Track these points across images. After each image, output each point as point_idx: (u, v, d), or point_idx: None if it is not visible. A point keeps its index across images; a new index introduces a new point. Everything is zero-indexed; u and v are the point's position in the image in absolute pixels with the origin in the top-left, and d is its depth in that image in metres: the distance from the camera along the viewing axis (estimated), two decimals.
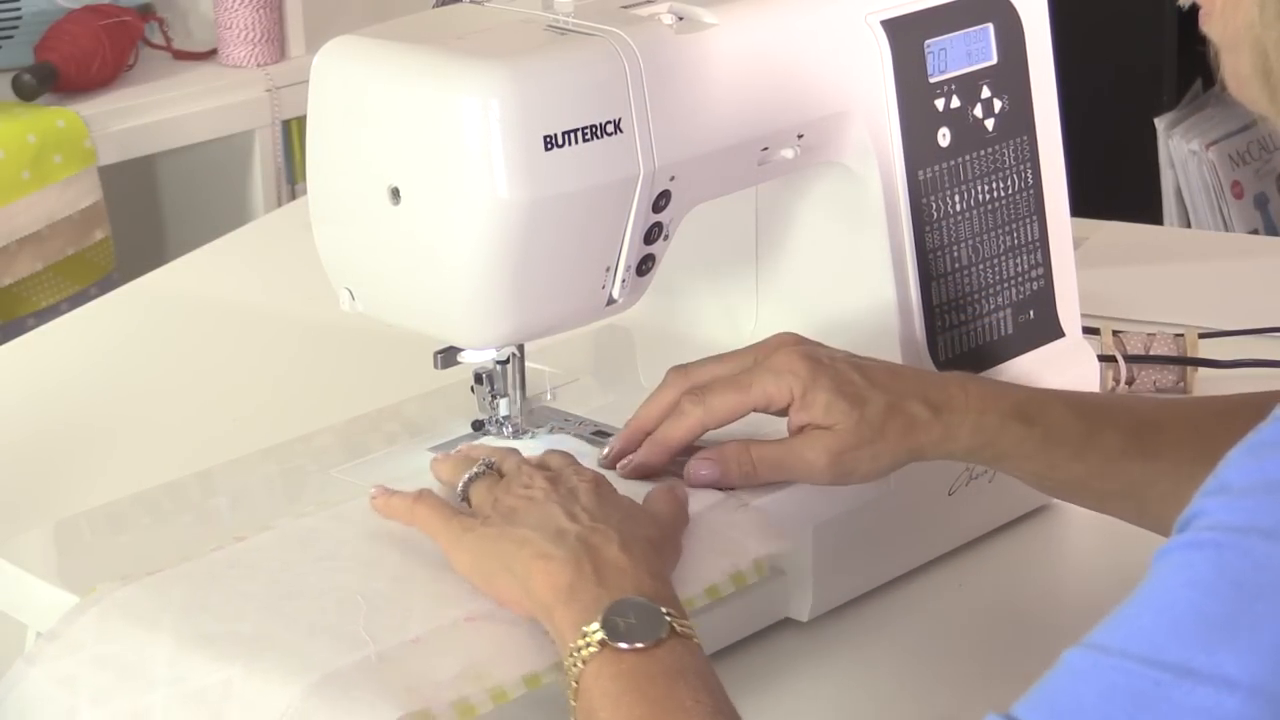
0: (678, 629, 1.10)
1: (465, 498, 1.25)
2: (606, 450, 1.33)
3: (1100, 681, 0.88)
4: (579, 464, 1.27)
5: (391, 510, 1.23)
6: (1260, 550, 0.87)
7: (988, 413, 1.29)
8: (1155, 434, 1.30)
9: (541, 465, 1.26)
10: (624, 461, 1.31)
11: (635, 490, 1.27)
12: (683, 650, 1.10)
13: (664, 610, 1.11)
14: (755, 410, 1.30)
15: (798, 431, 1.29)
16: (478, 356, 1.35)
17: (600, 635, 1.09)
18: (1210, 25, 1.02)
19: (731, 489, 1.30)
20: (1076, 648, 0.90)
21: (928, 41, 1.42)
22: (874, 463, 1.28)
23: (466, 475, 1.25)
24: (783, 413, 1.30)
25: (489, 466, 1.26)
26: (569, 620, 1.11)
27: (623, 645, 1.09)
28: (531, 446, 1.36)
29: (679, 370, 1.33)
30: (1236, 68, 1.00)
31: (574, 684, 1.09)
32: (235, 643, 1.14)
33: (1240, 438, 0.92)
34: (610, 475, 1.29)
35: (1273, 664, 0.85)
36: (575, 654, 1.10)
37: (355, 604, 1.17)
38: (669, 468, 1.32)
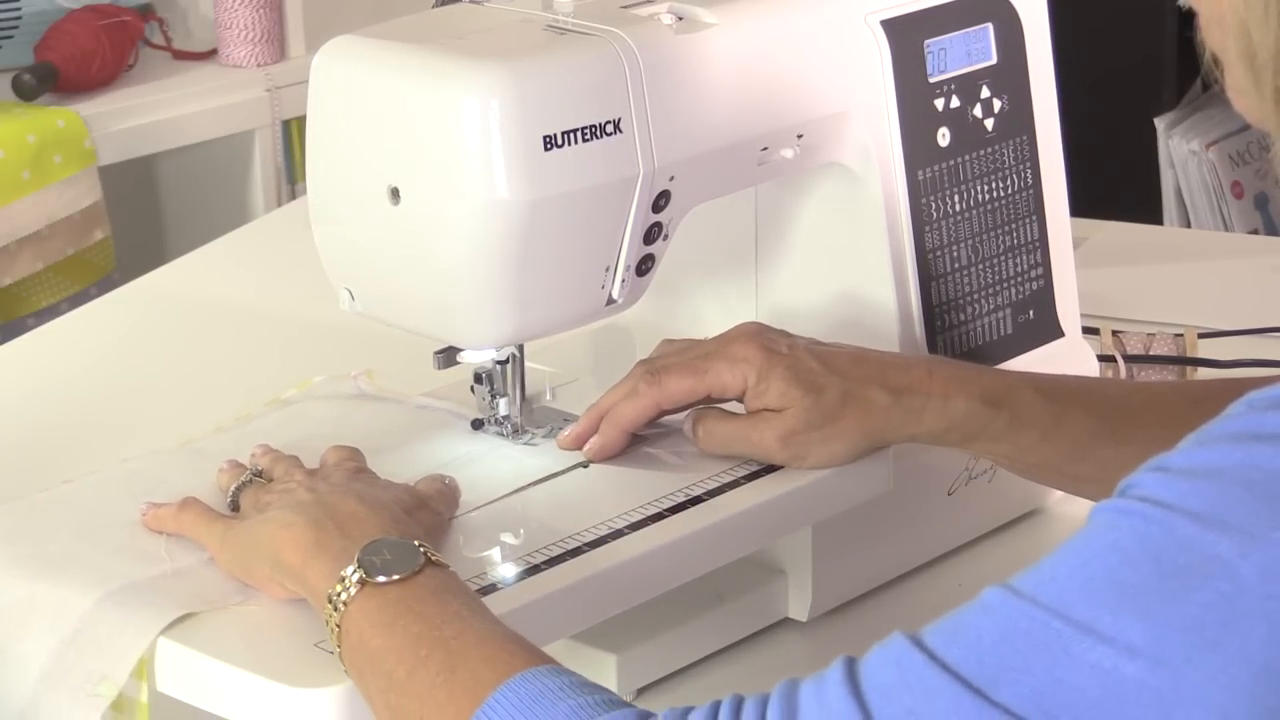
0: (433, 559, 1.11)
1: (234, 505, 1.26)
2: (565, 432, 1.34)
3: (1005, 621, 0.90)
4: (356, 458, 1.27)
5: (159, 522, 1.24)
6: (1184, 531, 0.88)
7: (953, 397, 1.30)
8: (1126, 418, 1.30)
9: (321, 462, 1.27)
10: (587, 445, 1.33)
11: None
12: (444, 576, 1.11)
13: (416, 543, 1.12)
14: (711, 396, 1.31)
15: (752, 415, 1.31)
16: (477, 356, 1.35)
17: (359, 575, 1.09)
18: (1206, 30, 1.01)
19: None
20: (996, 586, 0.92)
21: (927, 41, 1.42)
22: (826, 445, 1.29)
23: (234, 484, 1.27)
24: (740, 399, 1.32)
25: (257, 474, 1.27)
26: (321, 573, 1.12)
27: (381, 578, 1.09)
28: (530, 447, 1.36)
29: (643, 360, 1.35)
30: (1222, 50, 0.99)
31: (335, 628, 1.09)
32: (43, 562, 1.21)
33: None
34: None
35: (1176, 639, 0.86)
36: (335, 599, 1.10)
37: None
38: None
